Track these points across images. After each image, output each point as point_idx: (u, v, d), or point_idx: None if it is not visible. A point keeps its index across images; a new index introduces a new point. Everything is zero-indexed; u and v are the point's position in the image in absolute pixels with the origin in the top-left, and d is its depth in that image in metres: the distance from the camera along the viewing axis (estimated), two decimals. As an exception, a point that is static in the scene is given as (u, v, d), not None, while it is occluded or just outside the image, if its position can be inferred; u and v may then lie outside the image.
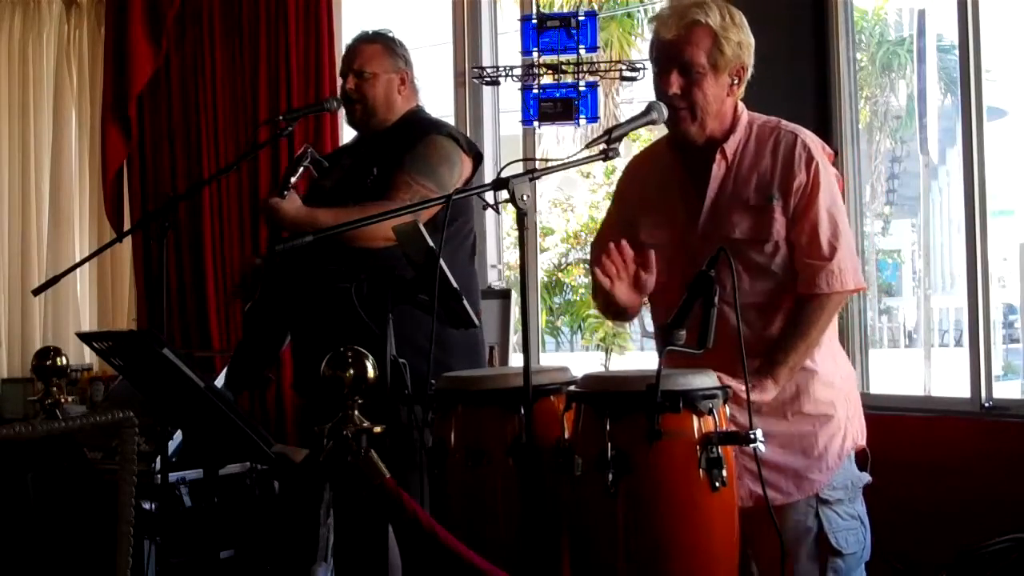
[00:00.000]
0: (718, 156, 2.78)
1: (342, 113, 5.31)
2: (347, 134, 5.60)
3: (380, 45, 3.65)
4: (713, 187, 2.79)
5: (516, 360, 5.04)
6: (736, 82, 2.78)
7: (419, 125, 3.59)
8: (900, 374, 7.53)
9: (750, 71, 2.81)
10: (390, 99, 3.62)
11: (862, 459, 2.88)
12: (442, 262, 2.71)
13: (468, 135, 5.45)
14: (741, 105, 2.84)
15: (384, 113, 3.63)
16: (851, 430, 2.84)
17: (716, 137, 2.79)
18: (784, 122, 2.84)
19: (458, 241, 3.51)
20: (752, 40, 2.80)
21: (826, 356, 2.81)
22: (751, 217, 2.75)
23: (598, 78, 5.13)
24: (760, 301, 2.74)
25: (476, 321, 2.89)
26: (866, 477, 2.85)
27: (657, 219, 2.88)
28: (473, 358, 3.49)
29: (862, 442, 2.87)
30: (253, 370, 3.84)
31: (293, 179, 3.35)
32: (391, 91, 3.62)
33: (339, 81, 3.71)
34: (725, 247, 2.50)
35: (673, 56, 2.73)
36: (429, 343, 2.63)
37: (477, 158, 3.62)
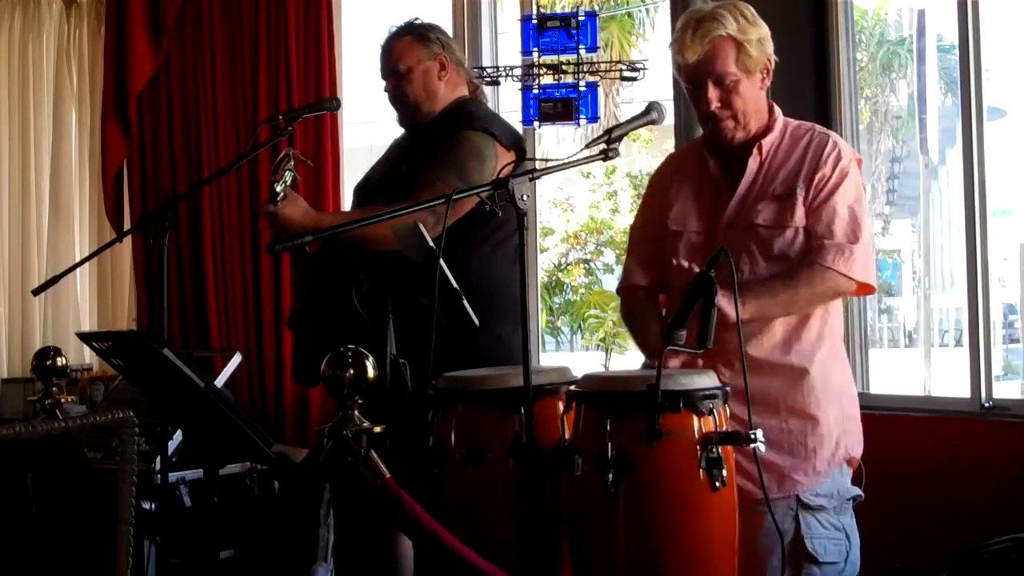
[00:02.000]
0: (755, 152, 2.84)
1: (342, 113, 5.38)
2: (348, 134, 5.61)
3: (409, 36, 3.53)
4: (746, 180, 2.85)
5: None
6: (765, 75, 2.84)
7: (456, 120, 3.45)
8: (900, 374, 7.54)
9: (774, 59, 2.86)
10: (431, 89, 3.50)
11: (857, 475, 2.86)
12: (442, 262, 2.69)
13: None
14: (777, 108, 2.91)
15: (429, 105, 3.50)
16: (845, 441, 2.82)
17: (755, 135, 2.85)
18: (819, 127, 2.92)
19: (493, 243, 3.37)
20: (767, 29, 2.84)
21: (825, 361, 2.82)
22: (774, 204, 2.80)
23: (598, 78, 5.13)
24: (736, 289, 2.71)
25: (476, 321, 2.87)
26: (855, 491, 2.83)
27: (685, 208, 2.93)
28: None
29: (856, 454, 2.85)
30: (313, 369, 3.72)
31: (278, 186, 3.25)
32: (430, 81, 3.50)
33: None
34: (747, 233, 2.60)
35: (705, 73, 2.79)
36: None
37: (520, 152, 3.47)
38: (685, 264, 2.86)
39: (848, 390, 2.90)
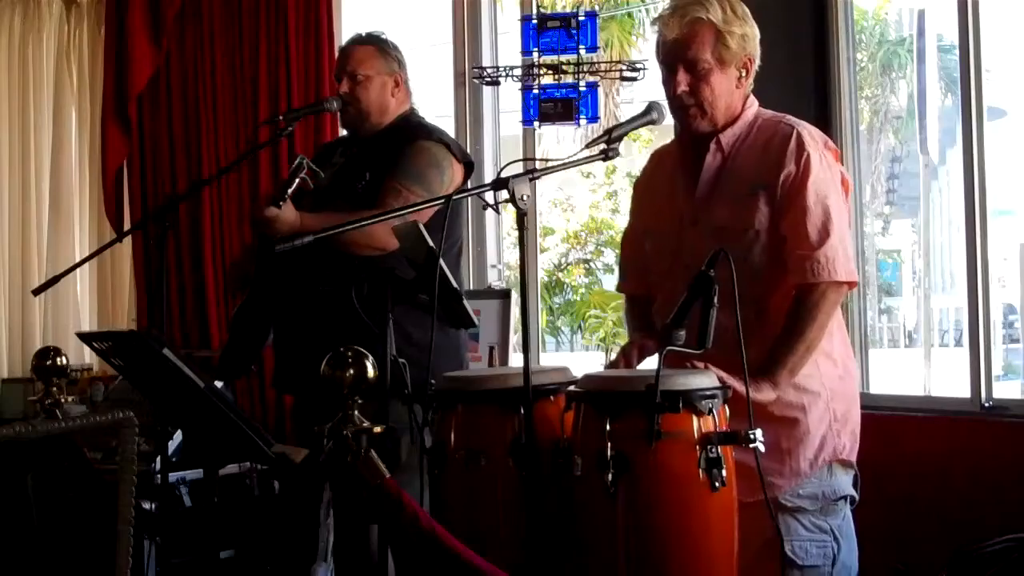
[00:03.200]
0: (712, 146, 2.80)
1: (342, 113, 5.38)
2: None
3: (373, 47, 3.65)
4: (706, 176, 2.80)
5: (516, 360, 5.04)
6: (744, 74, 2.79)
7: (410, 130, 3.59)
8: (900, 374, 7.53)
9: (757, 62, 2.82)
10: (383, 101, 3.62)
11: (853, 477, 2.78)
12: (442, 262, 2.71)
13: (468, 135, 5.49)
14: (752, 99, 2.84)
15: (378, 116, 3.62)
16: (832, 441, 2.73)
17: (721, 129, 2.80)
18: (788, 117, 2.84)
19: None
20: (757, 31, 2.81)
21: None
22: (734, 205, 2.75)
23: (598, 78, 5.13)
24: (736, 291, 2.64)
25: (475, 321, 2.89)
26: (847, 491, 2.76)
27: (656, 207, 2.94)
28: (453, 362, 3.43)
29: (847, 456, 2.76)
30: (239, 365, 3.82)
31: (290, 190, 3.29)
32: (384, 94, 3.62)
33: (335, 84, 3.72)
34: (708, 233, 2.55)
35: (679, 55, 2.75)
36: (426, 349, 2.62)
37: (468, 166, 3.62)
38: (662, 265, 2.85)
39: (841, 390, 2.79)
